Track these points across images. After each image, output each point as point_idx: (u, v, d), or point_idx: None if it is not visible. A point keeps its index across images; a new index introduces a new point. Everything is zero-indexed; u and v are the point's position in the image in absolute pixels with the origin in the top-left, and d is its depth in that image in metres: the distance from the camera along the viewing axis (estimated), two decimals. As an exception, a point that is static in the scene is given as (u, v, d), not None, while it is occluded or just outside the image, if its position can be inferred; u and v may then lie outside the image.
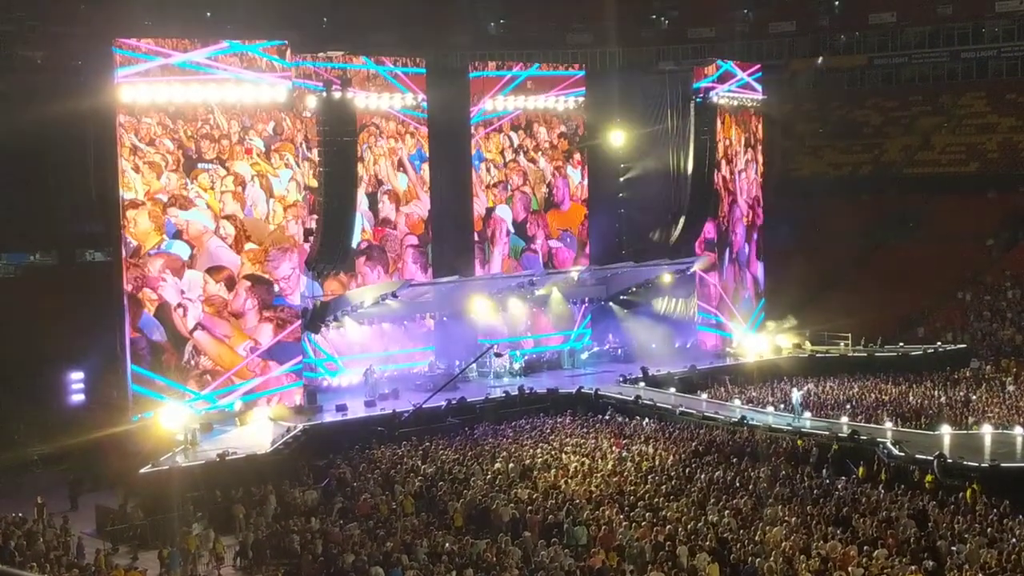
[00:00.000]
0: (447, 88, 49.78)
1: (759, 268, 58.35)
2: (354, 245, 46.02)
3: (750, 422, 38.90)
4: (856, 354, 51.90)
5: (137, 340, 40.74)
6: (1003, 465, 32.72)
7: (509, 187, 52.51)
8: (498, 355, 48.46)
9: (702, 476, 32.45)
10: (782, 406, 41.56)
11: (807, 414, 39.92)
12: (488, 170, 51.82)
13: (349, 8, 69.41)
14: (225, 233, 42.22)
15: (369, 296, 44.83)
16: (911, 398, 43.27)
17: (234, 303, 42.31)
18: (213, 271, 42.01)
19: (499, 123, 52.02)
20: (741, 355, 52.90)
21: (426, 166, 49.23)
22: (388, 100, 47.70)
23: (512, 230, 52.45)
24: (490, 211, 51.89)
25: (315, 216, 43.72)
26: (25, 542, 27.50)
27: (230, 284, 42.24)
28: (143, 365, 40.73)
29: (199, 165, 41.95)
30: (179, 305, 41.42)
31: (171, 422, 38.28)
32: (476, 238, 51.17)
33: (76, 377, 42.48)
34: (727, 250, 56.68)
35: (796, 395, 41.12)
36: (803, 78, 76.94)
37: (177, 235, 41.43)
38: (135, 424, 39.56)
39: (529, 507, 29.92)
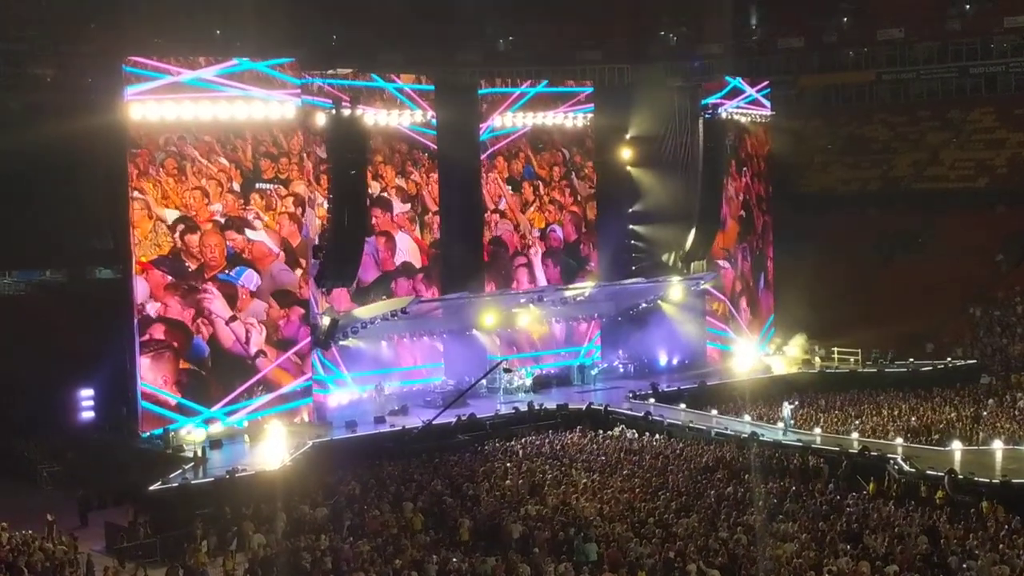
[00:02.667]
0: (456, 105, 49.94)
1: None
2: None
3: (760, 438, 38.81)
4: (866, 370, 51.82)
5: (187, 371, 40.96)
6: (1014, 481, 32.56)
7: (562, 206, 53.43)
8: (507, 371, 48.41)
9: (712, 492, 32.36)
10: (790, 421, 41.50)
11: (817, 430, 39.88)
12: (536, 189, 52.43)
13: (358, 26, 69.64)
14: (286, 256, 42.71)
15: (379, 313, 44.85)
16: (921, 413, 43.13)
17: (286, 330, 42.69)
18: (276, 296, 42.54)
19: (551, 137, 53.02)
20: (751, 370, 52.81)
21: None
22: (397, 117, 47.85)
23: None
24: (543, 230, 52.75)
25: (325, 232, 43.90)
26: (35, 559, 27.47)
27: (287, 307, 42.78)
28: (179, 392, 40.84)
29: (257, 185, 42.24)
30: (232, 318, 41.68)
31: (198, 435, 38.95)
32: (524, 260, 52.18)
33: (86, 394, 42.50)
34: (762, 274, 57.28)
35: (787, 409, 41.15)
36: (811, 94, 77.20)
37: (235, 258, 41.75)
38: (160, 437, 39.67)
39: (539, 524, 29.84)
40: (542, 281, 52.43)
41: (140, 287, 40.57)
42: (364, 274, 46.93)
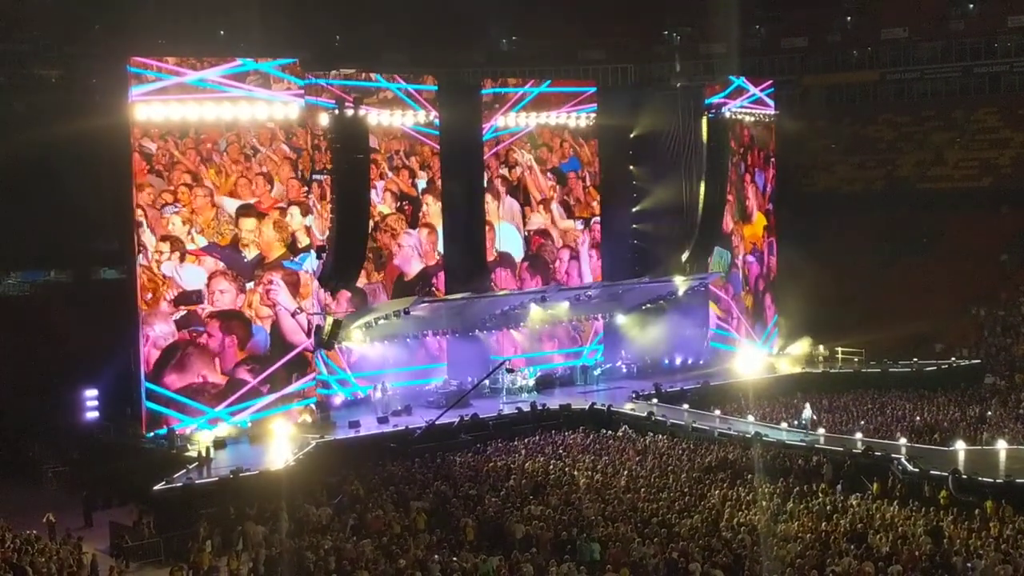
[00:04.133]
0: (459, 105, 49.91)
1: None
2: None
3: (764, 438, 38.81)
4: (870, 370, 51.80)
5: (246, 361, 41.56)
6: (1018, 481, 32.56)
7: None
8: (510, 371, 48.42)
9: (716, 492, 32.38)
10: (795, 422, 41.53)
11: (821, 430, 39.91)
12: (582, 178, 53.37)
13: (361, 26, 69.69)
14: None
15: (382, 313, 44.87)
16: (925, 413, 43.15)
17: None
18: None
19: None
20: (754, 371, 52.80)
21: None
22: (400, 117, 47.91)
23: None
24: (587, 221, 53.68)
25: (328, 233, 43.96)
26: (39, 560, 27.52)
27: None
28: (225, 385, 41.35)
29: (313, 176, 42.92)
30: (299, 310, 42.42)
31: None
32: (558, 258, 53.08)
33: (91, 394, 42.52)
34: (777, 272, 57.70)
35: (807, 411, 41.16)
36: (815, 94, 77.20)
37: (292, 246, 42.47)
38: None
39: (542, 524, 29.87)
40: (588, 274, 53.19)
41: (195, 274, 41.10)
42: (406, 267, 48.28)
